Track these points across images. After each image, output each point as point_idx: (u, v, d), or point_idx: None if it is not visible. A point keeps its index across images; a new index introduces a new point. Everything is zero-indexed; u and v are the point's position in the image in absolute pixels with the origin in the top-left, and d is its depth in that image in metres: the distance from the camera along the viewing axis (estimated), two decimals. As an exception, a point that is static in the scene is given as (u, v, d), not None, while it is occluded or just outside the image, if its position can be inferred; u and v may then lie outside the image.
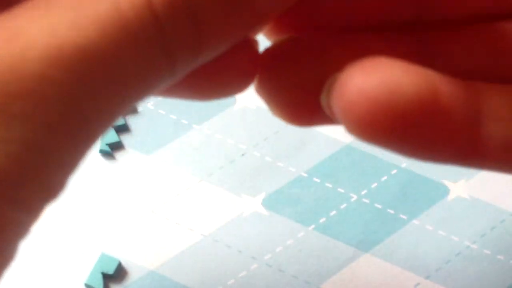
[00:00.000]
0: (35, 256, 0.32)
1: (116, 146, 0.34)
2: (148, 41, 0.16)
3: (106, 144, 0.34)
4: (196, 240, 0.32)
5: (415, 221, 0.33)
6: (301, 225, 0.33)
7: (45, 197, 0.16)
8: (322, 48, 0.20)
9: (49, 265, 0.31)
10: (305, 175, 0.34)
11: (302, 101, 0.19)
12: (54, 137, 0.15)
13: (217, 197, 0.33)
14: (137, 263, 0.32)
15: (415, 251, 0.32)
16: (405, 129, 0.17)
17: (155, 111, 0.35)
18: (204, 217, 0.33)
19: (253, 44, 0.19)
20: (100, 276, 0.31)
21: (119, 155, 0.34)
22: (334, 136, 0.35)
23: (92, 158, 0.34)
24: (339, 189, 0.33)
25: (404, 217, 0.33)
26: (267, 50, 0.20)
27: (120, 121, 0.34)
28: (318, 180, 0.34)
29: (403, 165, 0.34)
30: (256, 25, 0.17)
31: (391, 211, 0.33)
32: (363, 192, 0.33)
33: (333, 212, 0.33)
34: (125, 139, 0.35)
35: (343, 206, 0.33)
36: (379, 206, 0.33)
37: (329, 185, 0.33)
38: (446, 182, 0.34)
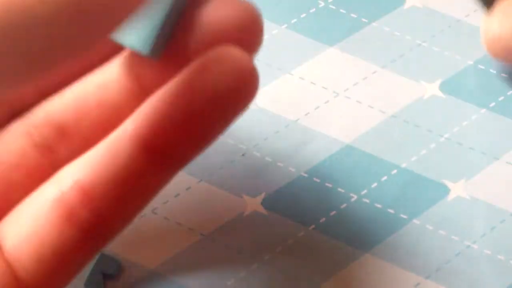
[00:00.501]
0: (35, 256, 0.32)
1: (116, 146, 0.34)
2: None
3: (106, 144, 0.34)
4: (196, 240, 0.32)
5: (415, 221, 0.33)
6: (301, 225, 0.33)
7: None
8: None
9: (49, 265, 0.31)
10: (305, 175, 0.34)
11: None
12: None
13: (217, 197, 0.33)
14: (137, 263, 0.32)
15: (415, 251, 0.32)
16: None
17: (155, 111, 0.35)
18: (204, 217, 0.33)
19: None
20: (100, 276, 0.31)
21: (119, 155, 0.34)
22: (334, 136, 0.35)
23: (92, 158, 0.34)
24: (339, 189, 0.33)
25: (404, 217, 0.33)
26: None
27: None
28: (318, 180, 0.34)
29: (403, 165, 0.34)
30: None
31: (391, 211, 0.33)
32: (363, 192, 0.33)
33: (333, 212, 0.33)
34: (125, 139, 0.35)
35: (343, 206, 0.33)
36: (379, 206, 0.33)
37: (329, 185, 0.33)
38: (446, 182, 0.34)
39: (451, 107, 0.36)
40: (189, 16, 0.20)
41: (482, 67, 0.37)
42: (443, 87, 0.36)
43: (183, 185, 0.33)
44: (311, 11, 0.38)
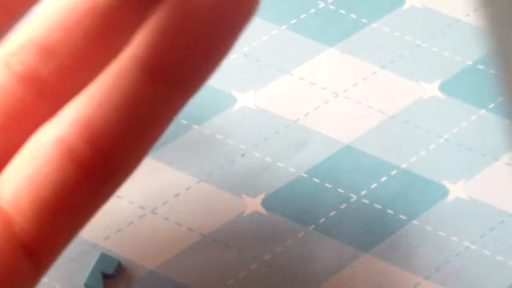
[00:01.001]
0: (34, 255, 0.32)
1: (116, 146, 0.34)
2: None
3: (106, 144, 0.34)
4: (196, 240, 0.32)
5: (414, 222, 0.33)
6: (301, 225, 0.33)
7: None
8: None
9: (48, 265, 0.31)
10: (305, 175, 0.34)
11: None
12: None
13: (217, 197, 0.33)
14: (137, 263, 0.32)
15: (414, 252, 0.32)
16: None
17: (155, 111, 0.35)
18: (204, 217, 0.33)
19: None
20: (100, 276, 0.31)
21: (119, 155, 0.34)
22: (334, 136, 0.35)
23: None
24: (339, 189, 0.33)
25: (404, 217, 0.33)
26: None
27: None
28: (318, 180, 0.34)
29: (403, 165, 0.34)
30: None
31: (391, 211, 0.33)
32: (363, 192, 0.33)
33: (333, 212, 0.33)
34: (125, 139, 0.34)
35: (343, 206, 0.33)
36: (379, 206, 0.33)
37: (329, 185, 0.33)
38: (446, 183, 0.34)
39: (451, 107, 0.36)
40: None
41: (482, 67, 0.37)
42: (443, 87, 0.36)
43: (183, 185, 0.33)
44: (311, 11, 0.38)
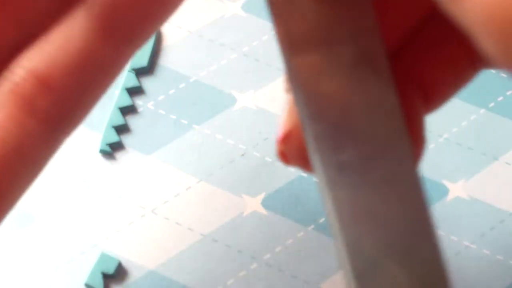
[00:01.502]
0: (35, 255, 0.32)
1: (116, 146, 0.34)
2: None
3: (106, 144, 0.34)
4: (196, 240, 0.32)
5: (414, 221, 0.33)
6: (301, 225, 0.33)
7: None
8: None
9: (49, 265, 0.31)
10: (305, 175, 0.34)
11: None
12: None
13: (217, 197, 0.33)
14: (137, 263, 0.32)
15: (414, 251, 0.32)
16: None
17: (155, 111, 0.35)
18: (204, 217, 0.33)
19: None
20: (100, 276, 0.31)
21: (119, 155, 0.34)
22: (334, 136, 0.35)
23: (92, 158, 0.34)
24: (338, 189, 0.33)
25: (403, 217, 0.33)
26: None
27: (120, 121, 0.34)
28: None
29: (403, 165, 0.34)
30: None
31: (391, 211, 0.33)
32: (362, 192, 0.33)
33: (333, 212, 0.33)
34: (125, 139, 0.35)
35: (343, 206, 0.33)
36: (378, 206, 0.33)
37: (329, 185, 0.33)
38: (446, 182, 0.34)
39: (450, 107, 0.36)
40: None
41: (481, 67, 0.37)
42: (443, 87, 0.36)
43: (183, 185, 0.33)
44: (310, 11, 0.38)
